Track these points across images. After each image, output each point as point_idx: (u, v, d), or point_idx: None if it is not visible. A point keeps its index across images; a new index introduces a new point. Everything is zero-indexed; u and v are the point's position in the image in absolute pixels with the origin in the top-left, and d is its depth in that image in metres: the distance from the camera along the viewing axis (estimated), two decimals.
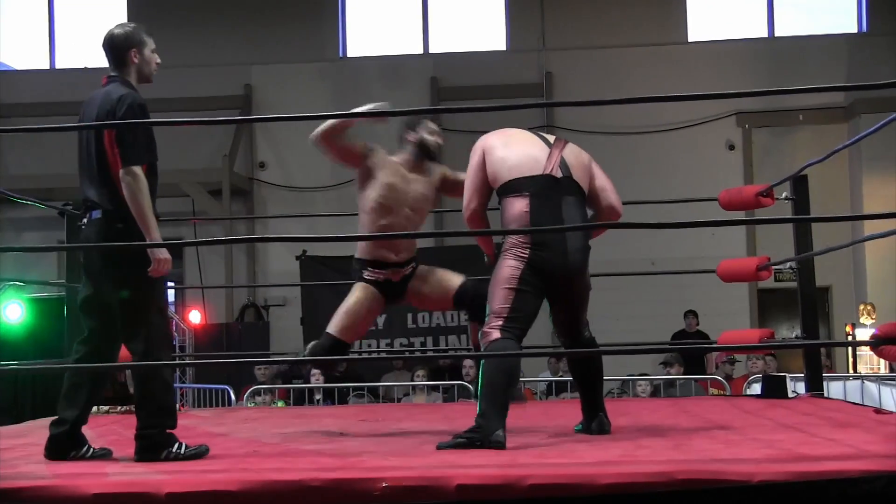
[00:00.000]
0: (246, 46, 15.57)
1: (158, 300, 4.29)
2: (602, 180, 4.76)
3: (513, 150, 4.57)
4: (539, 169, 4.51)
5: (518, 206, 4.47)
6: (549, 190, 4.48)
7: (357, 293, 4.98)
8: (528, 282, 4.43)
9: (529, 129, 4.79)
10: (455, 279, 5.15)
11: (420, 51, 15.58)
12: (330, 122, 4.84)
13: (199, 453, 4.18)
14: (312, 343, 5.07)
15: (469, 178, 4.66)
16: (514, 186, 4.49)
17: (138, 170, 4.10)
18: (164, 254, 4.14)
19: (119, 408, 6.87)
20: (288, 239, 4.38)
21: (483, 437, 4.22)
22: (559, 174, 4.53)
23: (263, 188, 15.51)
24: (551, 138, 4.71)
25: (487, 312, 4.51)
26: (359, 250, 5.01)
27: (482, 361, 4.39)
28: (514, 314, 4.43)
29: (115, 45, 4.32)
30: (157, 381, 4.20)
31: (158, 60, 4.41)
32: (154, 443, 4.15)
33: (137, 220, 4.10)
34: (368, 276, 4.92)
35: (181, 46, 15.54)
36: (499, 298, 4.46)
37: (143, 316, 4.17)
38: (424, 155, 5.08)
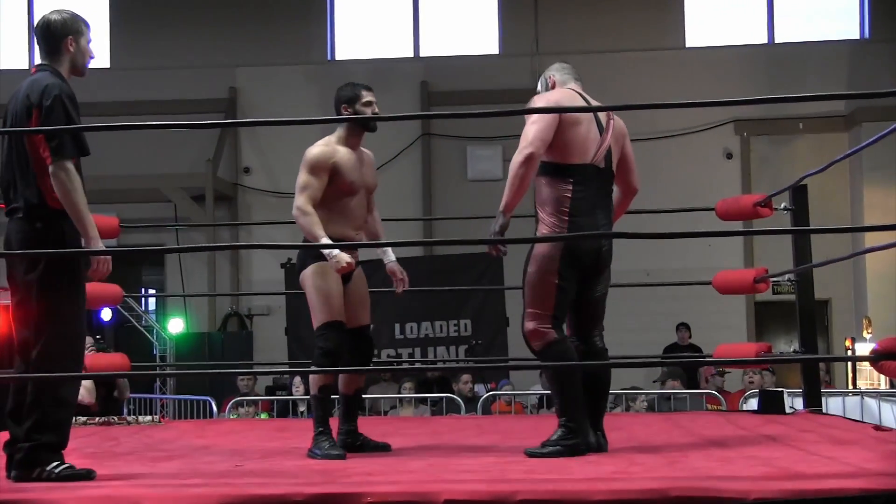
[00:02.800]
0: (231, 48, 15.56)
1: (71, 309, 4.04)
2: (631, 160, 4.94)
3: (576, 130, 4.62)
4: (588, 157, 4.65)
5: (562, 189, 4.60)
6: (590, 180, 4.65)
7: (318, 274, 4.88)
8: (565, 276, 4.58)
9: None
10: (366, 315, 5.15)
11: (411, 54, 15.59)
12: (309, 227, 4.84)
13: (77, 475, 3.92)
14: (316, 356, 4.97)
15: (538, 123, 4.55)
16: (563, 170, 4.61)
17: (69, 164, 3.98)
18: (105, 253, 4.02)
19: (97, 419, 6.85)
20: (273, 247, 4.39)
21: (581, 442, 4.45)
22: (602, 164, 4.70)
23: (248, 194, 15.50)
24: (604, 117, 4.75)
25: (529, 304, 4.61)
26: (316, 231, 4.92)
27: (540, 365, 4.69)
28: (559, 311, 4.60)
29: (51, 32, 4.16)
30: (46, 395, 3.94)
31: (94, 55, 4.27)
32: (28, 458, 3.93)
33: (72, 217, 3.98)
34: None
35: (164, 48, 15.55)
36: (544, 294, 4.58)
37: (49, 323, 3.96)
38: (363, 128, 5.08)
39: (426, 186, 15.04)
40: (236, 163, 15.58)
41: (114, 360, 6.51)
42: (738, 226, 10.30)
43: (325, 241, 4.77)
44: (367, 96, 5.09)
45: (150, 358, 13.58)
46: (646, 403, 9.10)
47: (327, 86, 15.29)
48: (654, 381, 10.03)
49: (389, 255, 5.25)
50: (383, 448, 4.98)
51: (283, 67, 15.42)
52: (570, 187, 4.59)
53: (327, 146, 5.00)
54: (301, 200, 4.89)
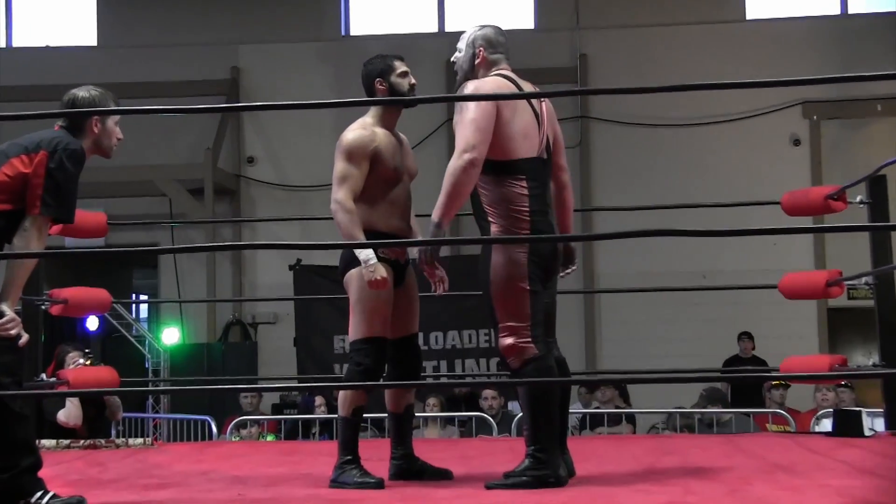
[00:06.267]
0: (233, 23, 15.60)
1: None
2: (562, 144, 4.93)
3: (517, 122, 4.64)
4: (535, 149, 4.68)
5: (514, 187, 4.62)
6: (541, 174, 4.71)
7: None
8: (535, 279, 4.60)
9: (514, 71, 4.85)
10: (415, 322, 5.12)
11: (435, 29, 15.60)
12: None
13: None
14: (348, 370, 4.95)
15: (477, 120, 4.56)
16: (512, 166, 4.63)
17: (47, 224, 4.13)
18: (14, 320, 4.05)
19: (82, 442, 6.86)
20: (281, 246, 4.37)
21: (552, 474, 4.43)
22: (545, 155, 4.76)
23: (252, 187, 15.51)
24: (536, 102, 4.76)
25: (501, 319, 4.58)
26: (365, 223, 4.88)
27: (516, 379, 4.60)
28: (536, 318, 4.59)
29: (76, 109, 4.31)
30: (3, 413, 3.96)
31: (121, 136, 4.40)
32: (8, 490, 3.94)
33: (8, 270, 4.08)
34: (382, 254, 4.85)
35: (157, 23, 15.61)
36: (516, 302, 4.57)
37: None
38: (402, 105, 5.05)
39: None
40: (239, 152, 15.60)
41: (101, 376, 6.52)
42: (807, 221, 10.23)
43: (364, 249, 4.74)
44: (401, 66, 5.08)
45: (141, 372, 13.62)
46: (694, 422, 9.05)
47: (341, 64, 15.38)
48: (701, 394, 9.96)
49: (409, 254, 5.23)
50: (444, 475, 4.97)
51: (292, 45, 15.44)
52: (525, 184, 4.62)
53: (365, 129, 4.95)
54: (341, 194, 4.83)
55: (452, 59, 4.94)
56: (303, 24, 15.60)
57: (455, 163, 4.53)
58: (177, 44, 15.42)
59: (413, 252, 5.13)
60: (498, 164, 4.60)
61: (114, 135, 4.36)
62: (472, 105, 4.55)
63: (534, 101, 4.71)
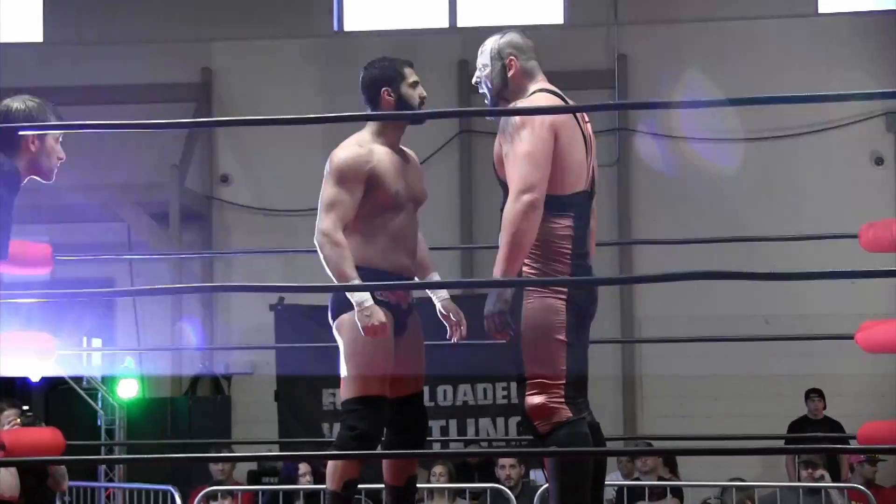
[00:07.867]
0: (205, 16, 15.62)
1: None
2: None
3: (573, 149, 4.74)
4: (584, 182, 4.82)
5: (558, 225, 4.72)
6: (586, 210, 4.85)
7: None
8: (573, 330, 4.70)
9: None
10: (419, 378, 5.17)
11: (445, 24, 15.60)
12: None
13: None
14: (339, 435, 4.97)
15: (534, 153, 4.64)
16: (560, 203, 4.74)
17: None
18: None
19: None
20: (259, 289, 4.39)
21: None
22: (591, 188, 4.89)
23: (226, 210, 15.50)
24: (582, 123, 4.83)
25: (531, 374, 4.65)
26: (360, 259, 4.91)
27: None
28: (573, 378, 4.66)
29: (9, 123, 4.35)
30: None
31: (62, 156, 4.42)
32: None
33: None
34: (381, 296, 4.86)
35: (114, 17, 15.63)
36: (550, 355, 4.65)
37: None
38: (408, 120, 5.09)
39: (465, 199, 14.99)
40: (211, 169, 15.61)
41: (43, 438, 6.52)
42: (891, 259, 10.22)
43: (356, 283, 4.76)
44: (412, 75, 5.13)
45: (92, 433, 13.59)
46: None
47: (333, 66, 15.36)
48: (801, 462, 9.90)
49: (440, 291, 5.23)
50: None
51: (275, 42, 15.47)
52: (570, 223, 4.72)
53: (361, 146, 4.99)
54: (328, 223, 4.86)
55: (475, 79, 4.96)
56: (287, 18, 15.62)
57: (513, 207, 4.60)
58: (138, 40, 15.44)
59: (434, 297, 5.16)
60: (545, 199, 4.66)
61: (54, 154, 4.38)
62: (525, 135, 4.60)
63: (580, 121, 4.75)
